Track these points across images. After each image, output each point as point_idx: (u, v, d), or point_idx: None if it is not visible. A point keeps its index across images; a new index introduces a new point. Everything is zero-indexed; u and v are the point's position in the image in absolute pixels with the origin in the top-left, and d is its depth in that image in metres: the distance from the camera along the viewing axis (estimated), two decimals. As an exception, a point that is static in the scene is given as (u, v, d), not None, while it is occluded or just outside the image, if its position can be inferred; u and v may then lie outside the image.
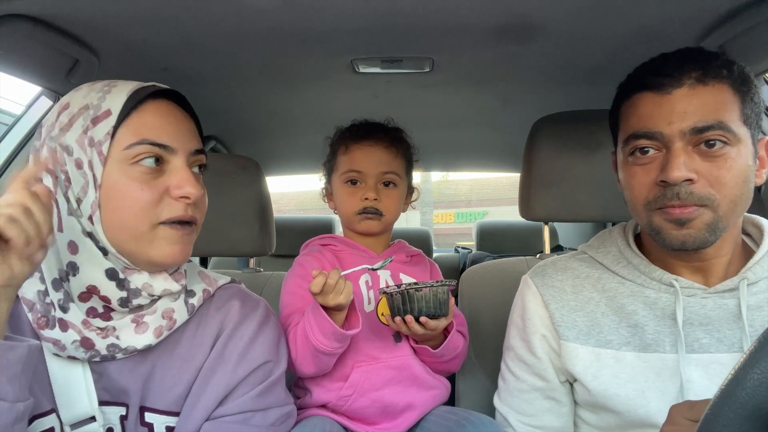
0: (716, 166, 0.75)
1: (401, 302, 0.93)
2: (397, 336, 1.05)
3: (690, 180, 0.75)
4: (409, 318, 0.92)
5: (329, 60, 1.25)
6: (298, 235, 2.60)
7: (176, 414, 0.79)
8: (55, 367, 0.74)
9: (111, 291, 0.74)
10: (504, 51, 1.20)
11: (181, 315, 0.80)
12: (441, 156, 2.39)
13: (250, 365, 0.82)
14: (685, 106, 0.76)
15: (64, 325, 0.72)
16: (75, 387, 0.74)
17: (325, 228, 2.67)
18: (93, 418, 0.75)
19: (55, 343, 0.72)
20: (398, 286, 0.93)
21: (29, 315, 0.73)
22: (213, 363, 0.81)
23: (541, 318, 0.92)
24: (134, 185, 0.73)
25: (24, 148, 1.34)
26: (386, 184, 1.11)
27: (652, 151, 0.79)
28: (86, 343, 0.73)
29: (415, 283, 0.94)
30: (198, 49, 1.16)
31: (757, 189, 1.38)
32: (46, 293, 0.73)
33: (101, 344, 0.73)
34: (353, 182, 1.11)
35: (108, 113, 0.73)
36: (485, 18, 1.03)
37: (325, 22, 1.04)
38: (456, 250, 2.94)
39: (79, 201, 0.73)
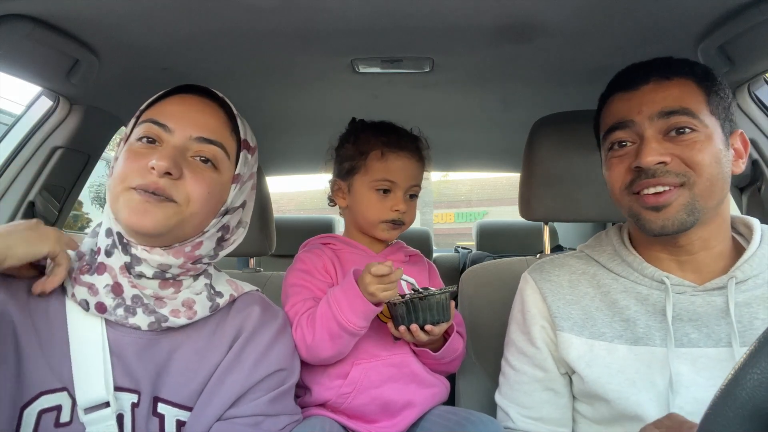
0: (688, 148, 0.80)
1: (405, 312, 0.93)
2: None
3: (664, 162, 0.80)
4: (415, 327, 0.93)
5: (329, 60, 1.25)
6: (298, 235, 2.60)
7: (189, 409, 0.81)
8: (77, 346, 0.78)
9: (118, 255, 0.81)
10: (504, 51, 1.20)
11: (202, 309, 0.84)
12: (441, 156, 2.38)
13: (266, 370, 0.85)
14: (652, 96, 0.83)
15: (102, 269, 0.80)
16: (94, 369, 0.77)
17: (325, 228, 2.67)
18: (107, 404, 0.76)
19: (90, 287, 0.79)
20: (402, 296, 0.94)
21: (75, 264, 0.81)
22: (230, 363, 0.83)
23: (539, 310, 0.95)
24: (126, 156, 0.81)
25: (24, 148, 1.34)
26: (411, 196, 1.13)
27: (628, 144, 0.86)
28: (116, 289, 0.79)
29: (419, 292, 0.94)
30: (198, 49, 1.16)
31: (758, 189, 1.38)
32: (97, 251, 0.82)
33: (128, 292, 0.80)
34: (384, 191, 1.10)
35: (145, 104, 0.87)
36: (485, 18, 1.03)
37: (325, 22, 1.04)
38: (456, 250, 2.94)
39: (109, 176, 0.84)
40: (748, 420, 0.41)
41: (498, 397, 1.00)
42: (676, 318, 0.84)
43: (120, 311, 0.79)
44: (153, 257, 0.80)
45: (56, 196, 1.41)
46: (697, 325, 0.83)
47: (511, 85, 1.45)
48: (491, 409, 1.04)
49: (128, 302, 0.79)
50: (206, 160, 0.84)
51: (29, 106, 1.37)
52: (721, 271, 0.84)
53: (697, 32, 1.06)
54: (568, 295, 0.93)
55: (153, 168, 0.78)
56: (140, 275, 0.81)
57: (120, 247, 0.80)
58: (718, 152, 0.81)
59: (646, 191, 0.82)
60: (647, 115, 0.82)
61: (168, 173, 0.78)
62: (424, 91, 1.48)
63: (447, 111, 1.70)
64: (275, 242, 1.43)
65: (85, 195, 4.41)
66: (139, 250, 0.80)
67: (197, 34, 1.08)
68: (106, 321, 0.80)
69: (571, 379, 0.94)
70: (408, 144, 1.12)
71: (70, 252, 0.81)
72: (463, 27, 1.07)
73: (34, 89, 1.31)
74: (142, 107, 0.86)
